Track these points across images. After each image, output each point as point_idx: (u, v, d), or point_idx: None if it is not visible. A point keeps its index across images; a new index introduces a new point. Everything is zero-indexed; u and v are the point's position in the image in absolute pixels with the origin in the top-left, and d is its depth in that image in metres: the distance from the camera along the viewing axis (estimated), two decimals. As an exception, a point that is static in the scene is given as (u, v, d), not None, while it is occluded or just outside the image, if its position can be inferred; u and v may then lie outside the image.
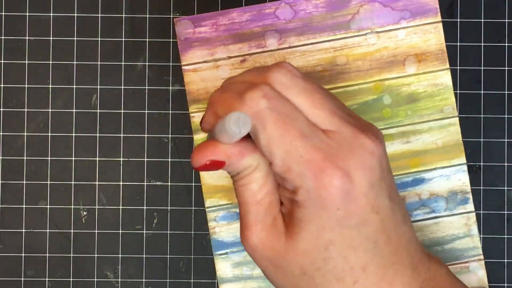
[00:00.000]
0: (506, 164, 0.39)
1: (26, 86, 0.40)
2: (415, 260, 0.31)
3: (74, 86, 0.40)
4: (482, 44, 0.39)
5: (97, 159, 0.39)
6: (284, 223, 0.30)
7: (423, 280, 0.31)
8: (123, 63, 0.39)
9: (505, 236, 0.39)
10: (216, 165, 0.29)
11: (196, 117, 0.39)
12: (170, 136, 0.39)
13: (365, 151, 0.29)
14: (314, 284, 0.29)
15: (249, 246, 0.30)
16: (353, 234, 0.29)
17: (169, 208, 0.39)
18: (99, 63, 0.39)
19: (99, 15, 0.40)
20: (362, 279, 0.29)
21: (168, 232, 0.39)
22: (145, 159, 0.39)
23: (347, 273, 0.29)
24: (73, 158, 0.39)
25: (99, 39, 0.39)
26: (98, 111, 0.39)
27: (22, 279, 0.39)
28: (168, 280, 0.39)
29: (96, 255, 0.39)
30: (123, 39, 0.39)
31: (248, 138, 0.29)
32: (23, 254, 0.39)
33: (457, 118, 0.39)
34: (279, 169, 0.28)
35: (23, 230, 0.39)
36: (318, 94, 0.29)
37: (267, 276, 0.31)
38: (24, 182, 0.39)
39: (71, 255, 0.39)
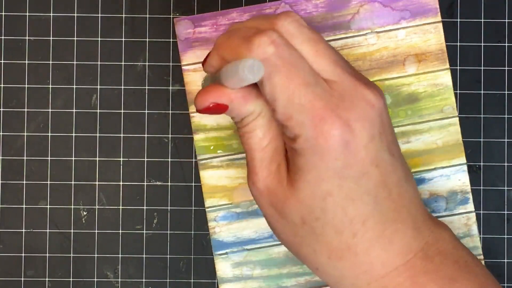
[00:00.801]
0: (506, 164, 0.39)
1: (26, 86, 0.40)
2: (417, 220, 0.30)
3: (74, 86, 0.40)
4: (482, 44, 0.39)
5: (97, 159, 0.39)
6: (287, 170, 0.30)
7: (425, 242, 0.30)
8: (123, 63, 0.39)
9: (505, 236, 0.39)
10: (219, 108, 0.29)
11: (196, 117, 0.39)
12: (170, 136, 0.39)
13: (366, 103, 0.29)
14: (314, 234, 0.30)
15: (256, 190, 0.31)
16: (351, 186, 0.29)
17: (169, 208, 0.39)
18: (99, 63, 0.39)
19: (99, 15, 0.40)
20: (361, 232, 0.29)
21: (168, 232, 0.39)
22: (145, 159, 0.39)
23: (346, 226, 0.29)
24: (73, 158, 0.39)
25: (99, 39, 0.39)
26: (98, 111, 0.39)
27: (22, 279, 0.39)
28: (168, 280, 0.39)
29: (96, 255, 0.39)
30: (123, 39, 0.39)
31: (252, 84, 0.29)
32: (23, 254, 0.39)
33: (457, 118, 0.39)
34: (281, 116, 0.28)
35: (23, 230, 0.39)
36: (322, 44, 0.29)
37: (271, 224, 0.31)
38: (24, 182, 0.39)
39: (71, 255, 0.39)
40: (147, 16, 0.40)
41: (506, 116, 0.39)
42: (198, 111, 0.30)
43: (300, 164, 0.29)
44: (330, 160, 0.28)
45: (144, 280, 0.39)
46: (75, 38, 0.40)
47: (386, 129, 0.30)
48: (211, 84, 0.30)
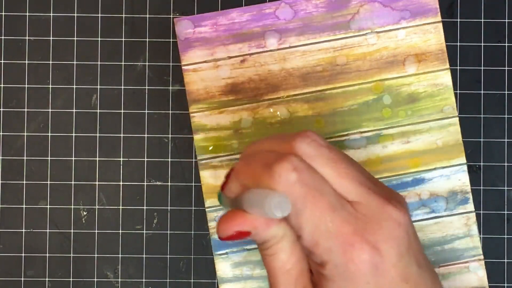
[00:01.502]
0: (506, 164, 0.39)
1: (26, 86, 0.40)
2: None
3: (74, 86, 0.40)
4: (482, 44, 0.39)
5: (97, 159, 0.39)
6: None
7: None
8: (123, 63, 0.39)
9: (505, 236, 0.39)
10: (242, 235, 0.29)
11: (196, 117, 0.39)
12: (170, 136, 0.39)
13: (393, 222, 0.28)
14: None
15: None
16: None
17: (169, 208, 0.39)
18: (99, 63, 0.39)
19: (99, 15, 0.40)
20: None
21: (168, 232, 0.39)
22: (145, 159, 0.39)
23: None
24: (73, 158, 0.39)
25: (99, 39, 0.39)
26: (98, 111, 0.39)
27: (22, 279, 0.39)
28: (168, 280, 0.39)
29: (96, 255, 0.39)
30: (123, 39, 0.39)
31: None
32: (23, 254, 0.39)
33: (457, 118, 0.39)
34: (308, 243, 0.28)
35: (23, 230, 0.39)
36: (344, 164, 0.29)
37: None
38: (24, 182, 0.39)
39: (71, 255, 0.39)
40: (147, 16, 0.40)
41: (506, 116, 0.39)
42: (220, 239, 0.29)
43: None
44: (360, 283, 0.28)
45: (144, 280, 0.39)
46: (75, 38, 0.40)
47: (412, 243, 0.29)
48: (231, 211, 0.29)
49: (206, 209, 0.39)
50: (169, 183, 0.39)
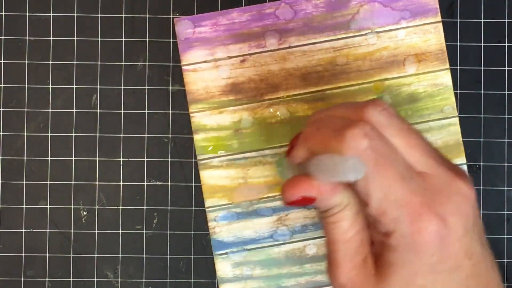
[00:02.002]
0: (506, 164, 0.39)
1: (26, 86, 0.40)
2: None
3: (74, 86, 0.40)
4: (482, 44, 0.39)
5: (97, 159, 0.39)
6: (374, 264, 0.29)
7: None
8: (123, 63, 0.39)
9: (505, 236, 0.39)
10: (307, 201, 0.29)
11: (196, 117, 0.39)
12: (170, 136, 0.39)
13: (461, 196, 0.28)
14: None
15: (338, 284, 0.29)
16: (445, 279, 0.28)
17: (169, 208, 0.39)
18: (99, 63, 0.39)
19: (99, 15, 0.40)
20: None
21: (168, 232, 0.39)
22: (145, 159, 0.39)
23: None
24: (73, 158, 0.39)
25: (99, 39, 0.39)
26: (98, 111, 0.39)
27: (22, 279, 0.39)
28: (168, 280, 0.39)
29: (96, 255, 0.39)
30: (123, 39, 0.39)
31: None
32: (23, 254, 0.39)
33: (457, 118, 0.39)
34: (375, 211, 0.28)
35: (23, 230, 0.39)
36: (414, 134, 0.29)
37: None
38: (24, 182, 0.39)
39: (71, 255, 0.39)
40: (147, 16, 0.40)
41: (506, 116, 0.39)
42: (285, 203, 0.29)
43: (393, 259, 0.28)
44: (425, 255, 0.28)
45: (144, 280, 0.39)
46: (75, 38, 0.40)
47: (477, 220, 0.29)
48: (298, 176, 0.29)
49: (206, 209, 0.39)
50: (169, 183, 0.39)
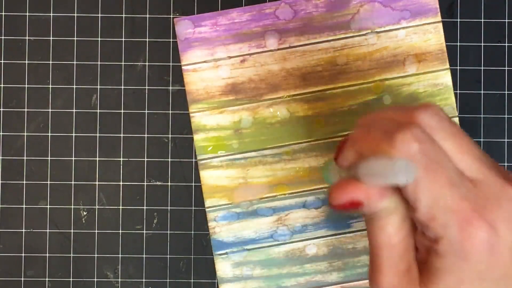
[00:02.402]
0: (506, 164, 0.39)
1: (26, 86, 0.40)
2: None
3: (74, 86, 0.40)
4: (482, 44, 0.39)
5: (97, 159, 0.39)
6: (418, 270, 0.29)
7: None
8: (123, 63, 0.39)
9: (505, 236, 0.39)
10: (354, 205, 0.28)
11: (196, 117, 0.39)
12: (170, 136, 0.39)
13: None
14: None
15: None
16: None
17: (169, 208, 0.39)
18: (99, 63, 0.39)
19: (99, 15, 0.40)
20: None
21: (168, 232, 0.39)
22: (145, 159, 0.39)
23: None
24: (73, 158, 0.39)
25: (99, 39, 0.39)
26: (98, 111, 0.39)
27: (22, 279, 0.39)
28: (168, 280, 0.39)
29: (96, 255, 0.39)
30: (123, 39, 0.39)
31: None
32: (23, 254, 0.39)
33: (457, 118, 0.39)
34: (423, 216, 0.27)
35: (23, 230, 0.39)
36: (466, 139, 0.28)
37: None
38: (24, 182, 0.39)
39: (71, 255, 0.39)
40: (147, 16, 0.40)
41: (506, 116, 0.39)
42: (332, 207, 0.29)
43: (440, 265, 0.28)
44: (474, 263, 0.27)
45: (144, 280, 0.39)
46: (75, 38, 0.40)
47: None
48: (346, 180, 0.29)
49: (206, 209, 0.39)
50: (169, 183, 0.39)
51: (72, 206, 0.39)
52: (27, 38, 0.39)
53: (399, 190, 0.28)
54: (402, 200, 0.28)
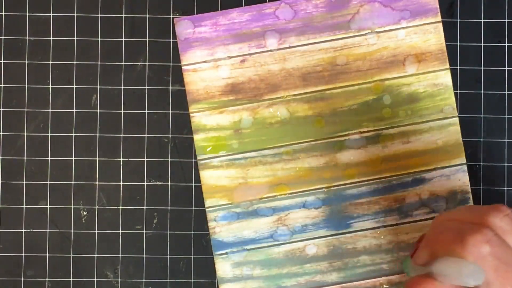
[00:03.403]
0: (506, 164, 0.39)
1: (26, 86, 0.40)
2: None
3: (74, 86, 0.40)
4: (482, 44, 0.39)
5: (97, 159, 0.39)
6: None
7: None
8: (123, 63, 0.39)
9: (505, 236, 0.39)
10: None
11: (196, 117, 0.39)
12: (170, 136, 0.39)
13: None
14: None
15: None
16: None
17: (169, 208, 0.39)
18: (99, 63, 0.39)
19: (99, 15, 0.40)
20: None
21: (168, 232, 0.39)
22: (145, 159, 0.39)
23: None
24: (73, 158, 0.39)
25: (99, 39, 0.39)
26: (98, 111, 0.39)
27: (22, 279, 0.39)
28: (168, 280, 0.39)
29: (96, 255, 0.39)
30: (123, 39, 0.39)
31: None
32: (23, 254, 0.39)
33: (457, 118, 0.39)
34: None
35: (23, 230, 0.39)
36: None
37: None
38: (24, 182, 0.39)
39: (71, 255, 0.39)
40: (147, 16, 0.40)
41: (506, 116, 0.39)
42: None
43: None
44: None
45: (144, 280, 0.39)
46: (75, 38, 0.40)
47: None
48: (420, 277, 0.31)
49: (206, 209, 0.39)
50: (169, 183, 0.39)
51: (72, 206, 0.39)
52: (27, 38, 0.39)
53: None
54: None
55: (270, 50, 0.39)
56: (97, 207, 0.39)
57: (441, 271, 0.29)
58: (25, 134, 0.39)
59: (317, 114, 0.39)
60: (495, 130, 0.39)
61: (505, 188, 0.39)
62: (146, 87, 0.40)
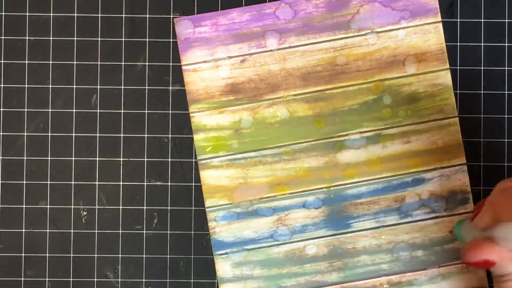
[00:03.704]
0: (506, 164, 0.39)
1: (26, 86, 0.40)
2: None
3: (74, 86, 0.40)
4: (482, 44, 0.39)
5: (97, 159, 0.39)
6: None
7: None
8: (123, 63, 0.39)
9: (505, 236, 0.39)
10: (487, 264, 0.31)
11: (196, 117, 0.39)
12: (170, 136, 0.39)
13: None
14: None
15: None
16: None
17: (169, 208, 0.39)
18: (99, 63, 0.39)
19: (99, 15, 0.40)
20: None
21: (168, 232, 0.39)
22: (145, 159, 0.39)
23: None
24: (73, 158, 0.39)
25: (99, 39, 0.39)
26: (98, 111, 0.39)
27: (22, 279, 0.39)
28: (168, 280, 0.39)
29: (96, 255, 0.39)
30: (123, 39, 0.39)
31: None
32: (23, 254, 0.39)
33: (457, 118, 0.39)
34: None
35: (23, 230, 0.39)
36: None
37: None
38: (24, 182, 0.39)
39: (71, 255, 0.39)
40: (147, 16, 0.40)
41: (506, 116, 0.39)
42: (466, 263, 0.31)
43: None
44: None
45: (144, 280, 0.39)
46: (75, 38, 0.40)
47: None
48: (481, 240, 0.31)
49: (206, 209, 0.39)
50: (169, 183, 0.39)
51: (72, 206, 0.39)
52: (27, 38, 0.39)
53: None
54: None
55: (270, 50, 0.39)
56: (97, 207, 0.39)
57: (504, 234, 0.29)
58: (25, 134, 0.39)
59: (317, 114, 0.39)
60: (495, 130, 0.39)
61: (505, 188, 0.39)
62: (146, 87, 0.40)
